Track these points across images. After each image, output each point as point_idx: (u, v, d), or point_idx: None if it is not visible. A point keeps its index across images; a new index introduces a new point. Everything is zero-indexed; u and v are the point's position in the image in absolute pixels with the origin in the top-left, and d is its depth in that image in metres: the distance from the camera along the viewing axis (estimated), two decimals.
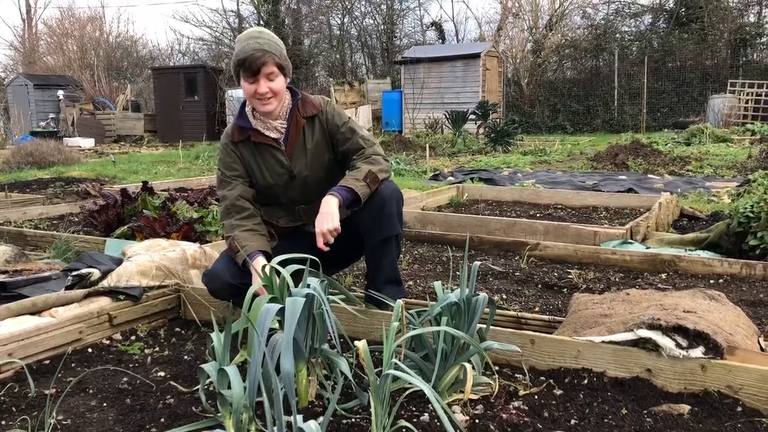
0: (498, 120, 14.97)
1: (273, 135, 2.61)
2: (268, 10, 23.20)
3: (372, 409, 1.72)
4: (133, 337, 2.68)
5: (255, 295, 1.97)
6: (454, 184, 7.17)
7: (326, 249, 2.37)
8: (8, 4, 61.84)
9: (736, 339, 2.07)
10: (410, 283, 3.42)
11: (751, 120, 16.52)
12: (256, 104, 2.54)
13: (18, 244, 4.05)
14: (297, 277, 2.04)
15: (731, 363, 1.96)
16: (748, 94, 17.26)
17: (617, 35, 21.95)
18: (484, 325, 2.16)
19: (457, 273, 3.53)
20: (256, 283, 2.08)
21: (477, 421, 1.87)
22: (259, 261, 2.37)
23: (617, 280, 3.46)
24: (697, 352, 2.00)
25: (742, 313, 2.42)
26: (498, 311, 2.62)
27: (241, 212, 2.57)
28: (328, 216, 2.39)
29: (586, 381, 2.10)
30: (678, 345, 2.02)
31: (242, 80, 2.50)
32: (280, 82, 2.51)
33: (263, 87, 2.47)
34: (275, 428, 1.51)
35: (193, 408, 1.99)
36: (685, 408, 1.91)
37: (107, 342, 2.61)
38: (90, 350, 2.53)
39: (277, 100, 2.53)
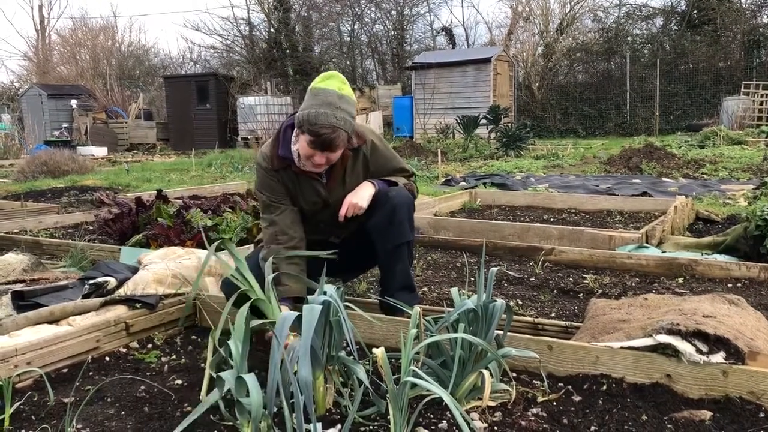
0: (509, 124, 14.95)
1: (316, 170, 2.58)
2: (279, 18, 23.33)
3: (391, 417, 1.71)
4: (149, 345, 2.69)
5: None
6: (466, 189, 7.15)
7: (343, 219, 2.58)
8: (23, 15, 62.79)
9: (757, 344, 2.04)
10: (425, 289, 3.42)
11: (765, 122, 16.40)
12: (306, 163, 2.50)
13: (34, 253, 4.08)
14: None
15: (753, 368, 1.94)
16: (762, 96, 17.12)
17: (629, 38, 21.85)
18: (501, 332, 2.15)
19: (472, 279, 3.53)
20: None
21: (496, 428, 1.86)
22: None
23: (633, 284, 3.43)
24: (718, 357, 1.98)
25: (763, 318, 2.39)
26: (515, 317, 2.60)
27: (290, 241, 2.58)
28: (360, 196, 2.57)
29: (605, 387, 2.08)
30: (698, 350, 2.00)
31: (304, 139, 2.42)
32: (338, 154, 2.49)
33: (322, 159, 2.45)
34: None
35: (211, 416, 1.98)
36: (707, 414, 1.88)
37: (124, 350, 2.62)
38: (107, 359, 2.54)
39: (327, 165, 2.53)
